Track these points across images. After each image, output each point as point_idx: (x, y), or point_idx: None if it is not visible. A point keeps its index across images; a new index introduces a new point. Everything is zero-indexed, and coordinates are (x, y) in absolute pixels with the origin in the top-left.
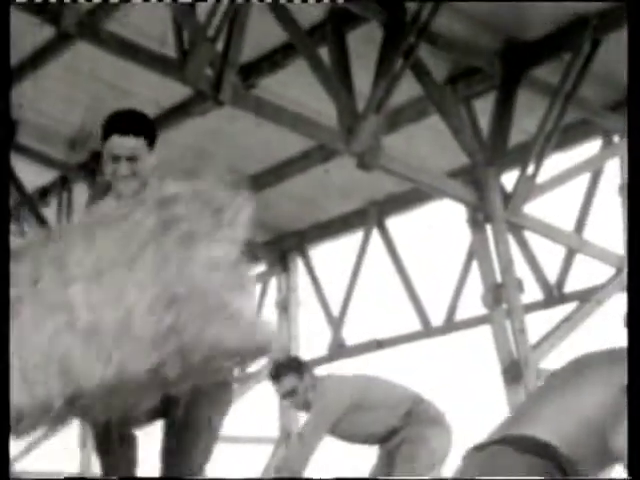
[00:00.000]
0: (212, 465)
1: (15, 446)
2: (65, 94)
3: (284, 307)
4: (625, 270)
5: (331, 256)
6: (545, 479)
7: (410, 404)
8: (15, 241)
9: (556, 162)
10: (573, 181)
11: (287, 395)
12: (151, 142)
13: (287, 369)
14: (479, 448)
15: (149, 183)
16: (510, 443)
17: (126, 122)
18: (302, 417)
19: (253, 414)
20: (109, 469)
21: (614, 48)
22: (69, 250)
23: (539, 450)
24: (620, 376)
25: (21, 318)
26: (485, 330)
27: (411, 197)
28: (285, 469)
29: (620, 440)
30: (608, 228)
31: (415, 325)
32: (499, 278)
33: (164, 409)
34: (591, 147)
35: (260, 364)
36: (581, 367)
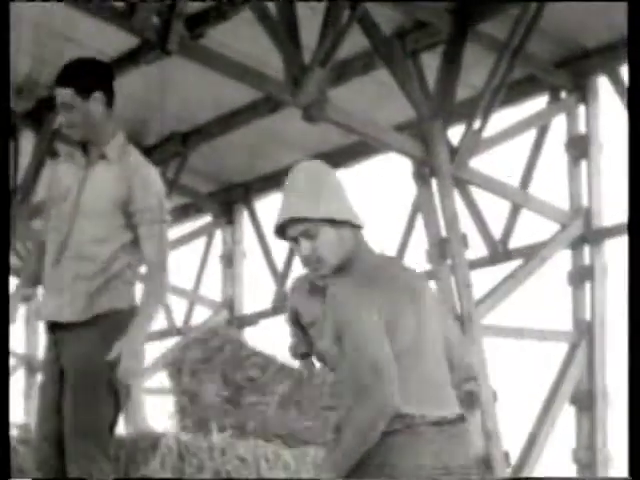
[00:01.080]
0: (154, 417)
1: None
2: (11, 42)
3: (229, 260)
4: (570, 226)
5: (276, 208)
6: None
7: None
8: None
9: (503, 117)
10: (519, 136)
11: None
12: (84, 91)
13: None
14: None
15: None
16: (463, 420)
17: (61, 72)
18: None
19: None
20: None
21: (562, 5)
22: None
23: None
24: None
25: None
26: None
27: (358, 150)
28: None
29: None
30: (554, 184)
31: None
32: (444, 233)
33: None
34: (538, 103)
35: (205, 317)
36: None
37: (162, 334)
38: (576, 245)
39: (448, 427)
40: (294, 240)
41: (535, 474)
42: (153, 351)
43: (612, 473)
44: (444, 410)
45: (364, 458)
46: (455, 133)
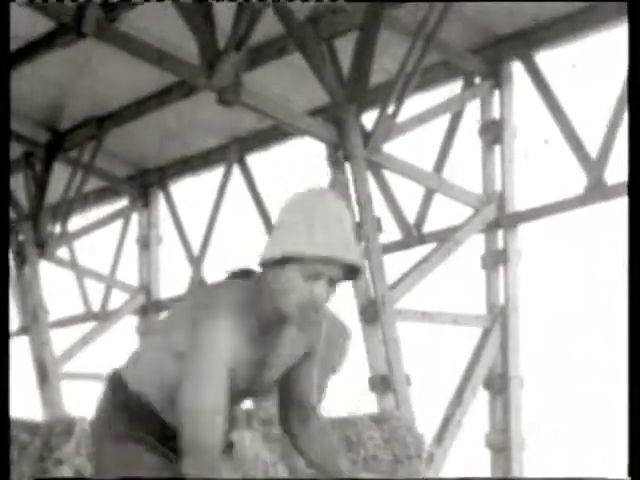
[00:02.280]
0: (70, 402)
1: None
2: None
3: (145, 244)
4: (483, 210)
5: (192, 192)
6: None
7: None
8: None
9: (417, 102)
10: (433, 121)
11: None
12: None
13: None
14: None
15: None
16: None
17: None
18: None
19: (113, 352)
20: None
21: None
22: None
23: None
24: (175, 342)
25: None
26: None
27: (272, 134)
28: None
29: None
30: (467, 169)
31: None
32: (358, 217)
33: None
34: (452, 88)
35: (122, 301)
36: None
37: (79, 319)
38: (490, 229)
39: None
40: (314, 277)
41: (448, 458)
42: (70, 335)
43: (525, 457)
44: None
45: None
46: (369, 118)
